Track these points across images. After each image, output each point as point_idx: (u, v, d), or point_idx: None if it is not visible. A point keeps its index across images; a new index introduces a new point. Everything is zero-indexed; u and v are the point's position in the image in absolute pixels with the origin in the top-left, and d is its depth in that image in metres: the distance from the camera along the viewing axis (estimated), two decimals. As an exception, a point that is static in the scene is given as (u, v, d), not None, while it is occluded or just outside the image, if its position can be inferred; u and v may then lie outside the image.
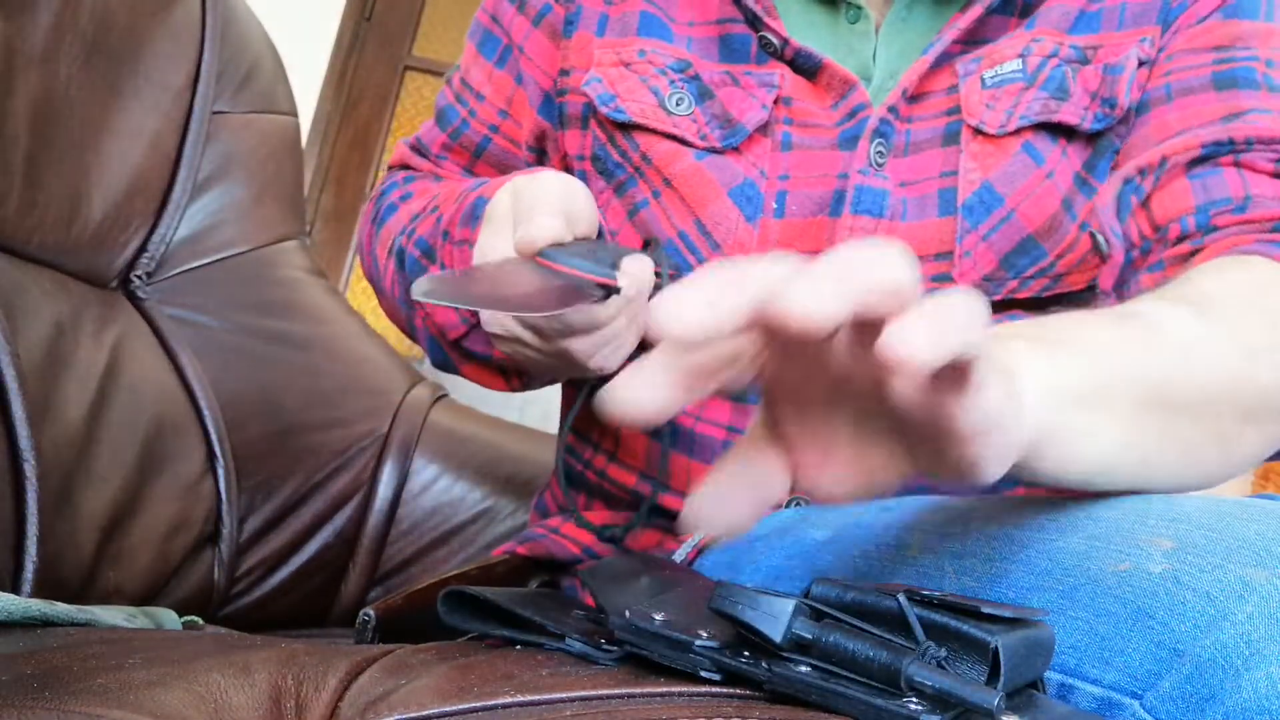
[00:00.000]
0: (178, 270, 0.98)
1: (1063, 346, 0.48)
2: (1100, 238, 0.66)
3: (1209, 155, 0.64)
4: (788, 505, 0.69)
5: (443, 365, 0.76)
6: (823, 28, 0.73)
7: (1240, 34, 0.68)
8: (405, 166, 0.87)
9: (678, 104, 0.71)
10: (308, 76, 2.78)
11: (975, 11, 0.70)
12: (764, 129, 0.70)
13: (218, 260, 1.01)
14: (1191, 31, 0.70)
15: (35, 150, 0.82)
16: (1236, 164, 0.64)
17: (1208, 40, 0.69)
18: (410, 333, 0.78)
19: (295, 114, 1.13)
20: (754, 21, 0.71)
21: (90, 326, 0.86)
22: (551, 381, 0.77)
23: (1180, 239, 0.64)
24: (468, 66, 0.83)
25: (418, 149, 0.86)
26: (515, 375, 0.73)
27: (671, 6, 0.74)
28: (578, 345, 0.60)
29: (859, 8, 0.72)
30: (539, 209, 0.57)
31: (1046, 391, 0.45)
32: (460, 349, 0.71)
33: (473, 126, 0.82)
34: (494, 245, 0.61)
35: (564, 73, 0.76)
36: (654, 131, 0.72)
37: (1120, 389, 0.49)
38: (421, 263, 0.73)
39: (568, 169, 0.79)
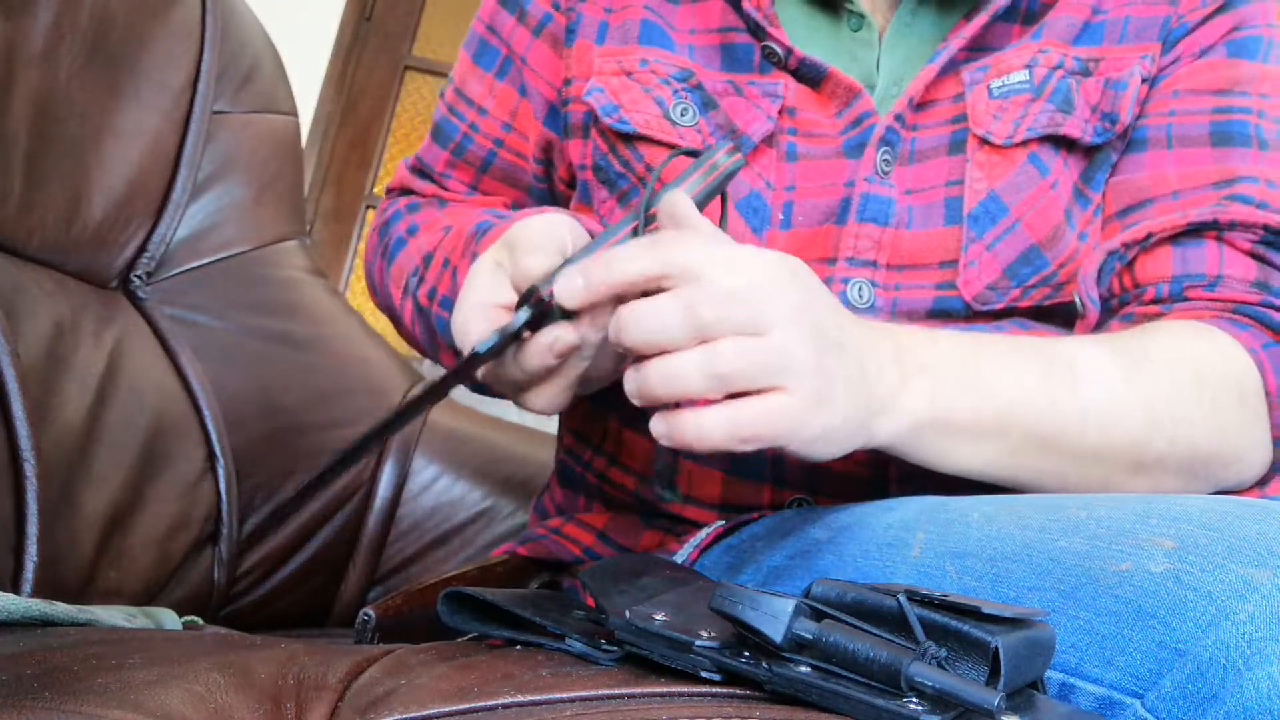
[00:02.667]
0: (178, 270, 0.98)
1: (974, 385, 0.58)
2: (1079, 300, 0.70)
3: (1194, 229, 0.69)
4: (788, 505, 0.69)
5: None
6: (825, 35, 0.72)
7: (1240, 78, 0.71)
8: (406, 190, 0.85)
9: (682, 114, 0.71)
10: (308, 76, 2.77)
11: (981, 19, 0.70)
12: (769, 139, 0.70)
13: (218, 260, 1.01)
14: (1195, 65, 0.71)
15: (35, 150, 0.82)
16: (1219, 238, 0.69)
17: (1211, 80, 0.71)
18: (435, 359, 0.79)
19: (295, 114, 1.13)
20: (757, 30, 0.71)
21: (90, 326, 0.85)
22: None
23: (1154, 300, 0.70)
24: (464, 78, 0.81)
25: (420, 170, 0.84)
26: None
27: (672, 15, 0.73)
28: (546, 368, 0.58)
29: (861, 15, 0.72)
30: (524, 250, 0.57)
31: (919, 422, 0.57)
32: None
33: (476, 141, 0.80)
34: (467, 299, 0.59)
35: (567, 82, 0.75)
36: (659, 143, 0.71)
37: (1007, 431, 0.59)
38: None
39: (572, 178, 0.78)
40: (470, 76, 0.81)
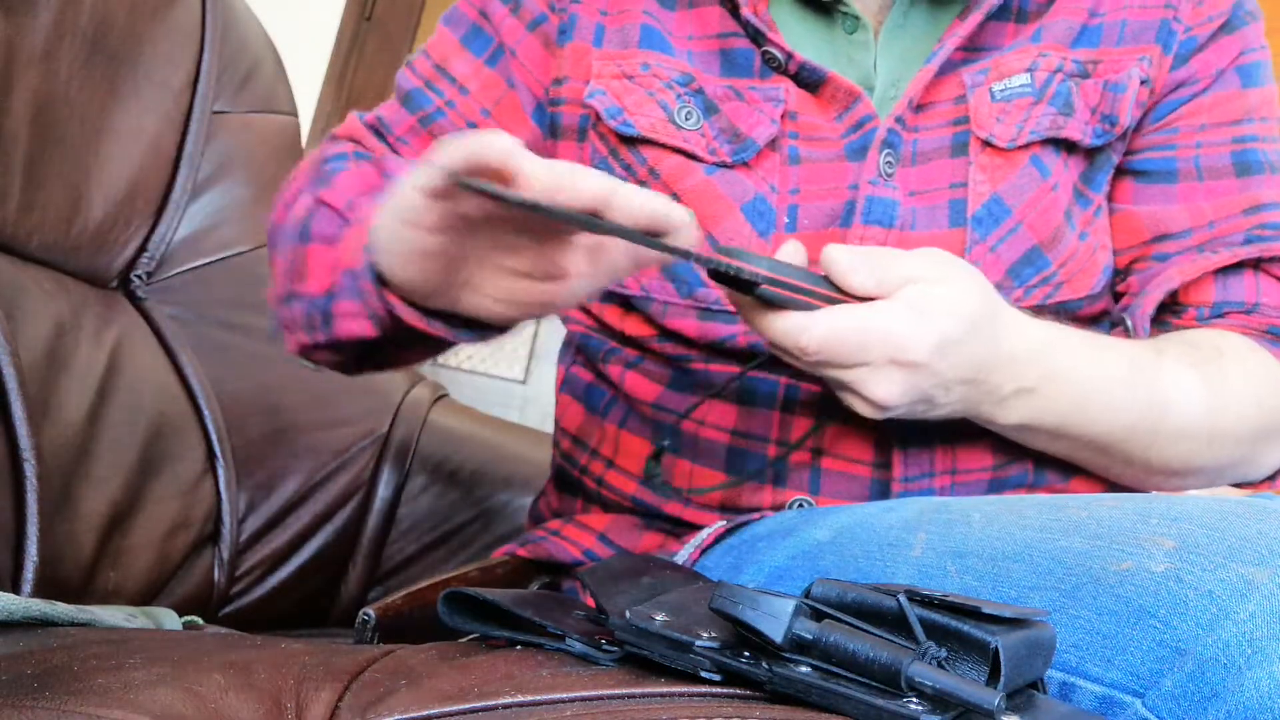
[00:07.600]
0: (178, 270, 0.98)
1: (1071, 414, 0.65)
2: (1130, 328, 0.75)
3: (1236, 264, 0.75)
4: (789, 506, 0.69)
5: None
6: (821, 39, 0.73)
7: (1250, 106, 0.75)
8: (354, 141, 0.80)
9: (686, 118, 0.71)
10: (308, 76, 2.77)
11: (975, 17, 0.70)
12: (772, 144, 0.70)
13: (218, 260, 1.01)
14: (1217, 96, 0.74)
15: (35, 150, 0.82)
16: (1256, 268, 0.74)
17: (1229, 111, 0.75)
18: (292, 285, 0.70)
19: (295, 114, 1.13)
20: (756, 36, 0.71)
21: (90, 326, 0.85)
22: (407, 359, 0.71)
23: (1194, 319, 0.76)
24: (446, 55, 0.78)
25: (376, 128, 0.80)
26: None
27: (670, 21, 0.73)
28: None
29: (856, 17, 0.72)
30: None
31: (1004, 429, 0.66)
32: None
33: (449, 117, 0.77)
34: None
35: (557, 82, 0.75)
36: (663, 146, 0.71)
37: (1078, 439, 0.67)
38: None
39: None
40: (455, 56, 0.78)
